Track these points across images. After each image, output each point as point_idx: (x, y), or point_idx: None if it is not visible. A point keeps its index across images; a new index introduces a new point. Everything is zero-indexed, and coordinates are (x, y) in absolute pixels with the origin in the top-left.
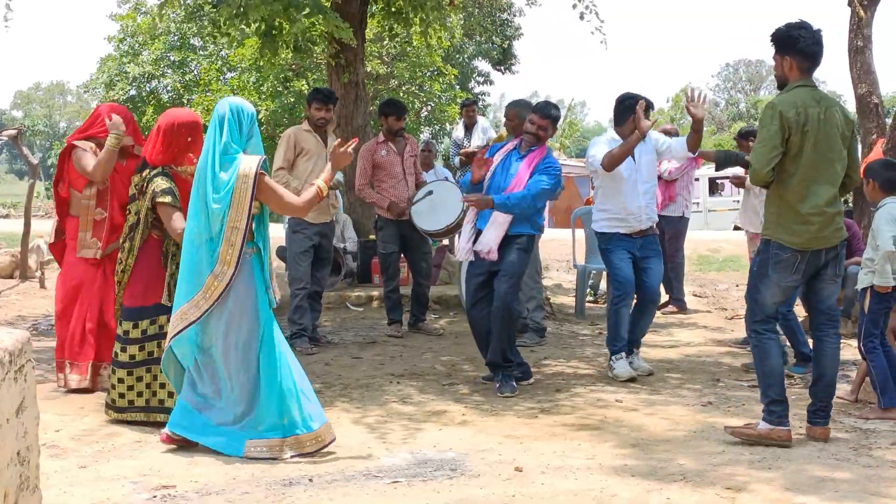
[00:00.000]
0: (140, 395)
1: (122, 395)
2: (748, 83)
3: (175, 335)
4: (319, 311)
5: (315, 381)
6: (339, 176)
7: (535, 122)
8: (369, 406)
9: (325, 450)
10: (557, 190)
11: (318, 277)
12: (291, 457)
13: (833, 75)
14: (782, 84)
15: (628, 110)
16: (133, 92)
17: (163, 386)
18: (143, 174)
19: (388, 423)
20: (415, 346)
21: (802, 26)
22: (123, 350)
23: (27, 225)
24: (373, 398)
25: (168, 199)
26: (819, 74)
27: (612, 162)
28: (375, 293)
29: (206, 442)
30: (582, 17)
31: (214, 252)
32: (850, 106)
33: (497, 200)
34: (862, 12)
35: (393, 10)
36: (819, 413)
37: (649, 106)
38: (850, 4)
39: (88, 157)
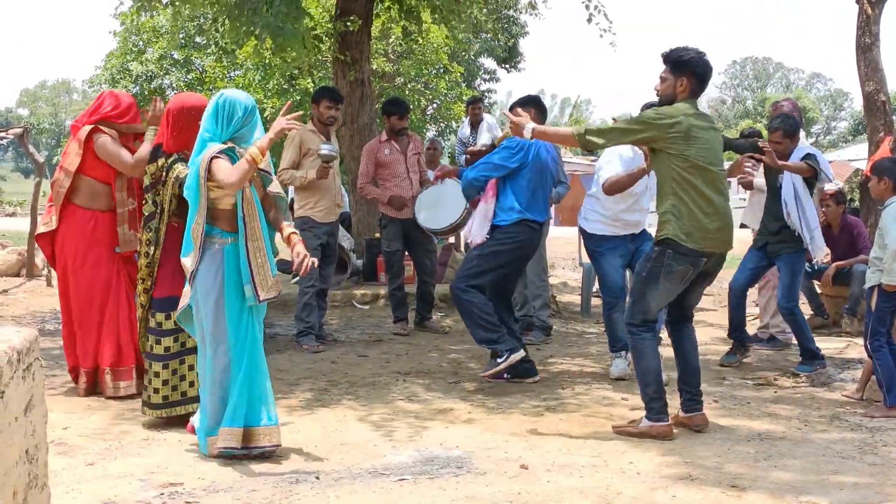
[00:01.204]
0: (175, 388)
1: (156, 391)
2: (755, 80)
3: (178, 310)
4: (325, 308)
5: (321, 378)
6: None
7: None
8: (375, 404)
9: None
10: (560, 194)
11: (323, 275)
12: (237, 448)
13: (840, 73)
14: (669, 101)
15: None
16: (136, 90)
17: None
18: (160, 162)
19: (394, 420)
20: (421, 344)
21: (698, 52)
22: (158, 342)
23: (33, 223)
24: (379, 396)
25: None
26: (826, 72)
27: (612, 189)
28: (382, 291)
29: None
30: (590, 21)
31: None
32: (858, 103)
33: (462, 174)
34: (869, 10)
35: (404, 8)
36: (694, 400)
37: None
38: (857, 2)
39: (122, 149)
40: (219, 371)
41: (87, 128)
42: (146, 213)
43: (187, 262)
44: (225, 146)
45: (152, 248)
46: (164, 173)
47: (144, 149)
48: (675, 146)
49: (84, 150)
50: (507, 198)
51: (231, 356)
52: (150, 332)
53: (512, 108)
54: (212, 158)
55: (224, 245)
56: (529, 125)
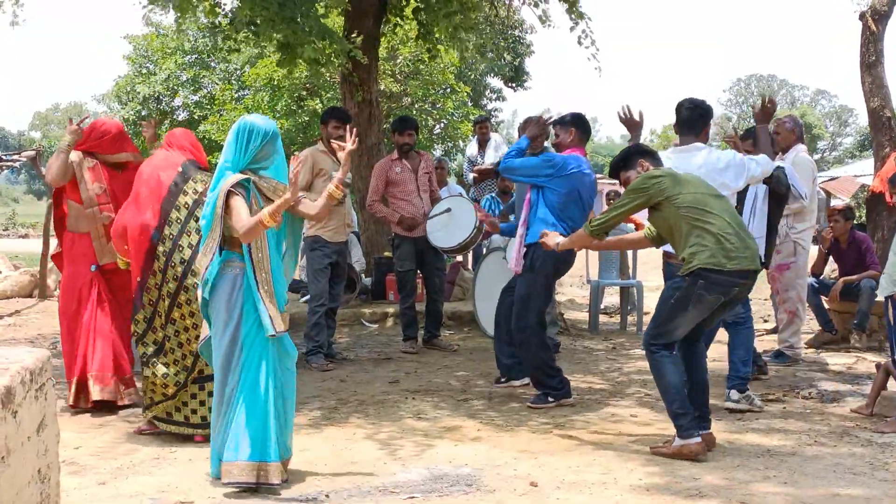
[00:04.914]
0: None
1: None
2: (760, 97)
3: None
4: (334, 327)
5: (330, 397)
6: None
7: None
8: (384, 422)
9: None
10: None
11: (332, 294)
12: (257, 483)
13: (845, 89)
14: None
15: (706, 115)
16: (144, 112)
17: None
18: (205, 178)
19: (403, 438)
20: (429, 362)
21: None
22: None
23: (46, 245)
24: (388, 414)
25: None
26: (830, 88)
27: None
28: (390, 310)
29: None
30: (580, 43)
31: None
32: (863, 119)
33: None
34: (874, 26)
35: (422, 31)
36: (703, 418)
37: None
38: (861, 19)
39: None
40: (226, 399)
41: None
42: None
43: (200, 291)
44: (242, 176)
45: None
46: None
47: (52, 157)
48: (669, 193)
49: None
50: (545, 214)
51: (241, 385)
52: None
53: (555, 125)
54: (229, 193)
55: (242, 269)
56: (558, 240)
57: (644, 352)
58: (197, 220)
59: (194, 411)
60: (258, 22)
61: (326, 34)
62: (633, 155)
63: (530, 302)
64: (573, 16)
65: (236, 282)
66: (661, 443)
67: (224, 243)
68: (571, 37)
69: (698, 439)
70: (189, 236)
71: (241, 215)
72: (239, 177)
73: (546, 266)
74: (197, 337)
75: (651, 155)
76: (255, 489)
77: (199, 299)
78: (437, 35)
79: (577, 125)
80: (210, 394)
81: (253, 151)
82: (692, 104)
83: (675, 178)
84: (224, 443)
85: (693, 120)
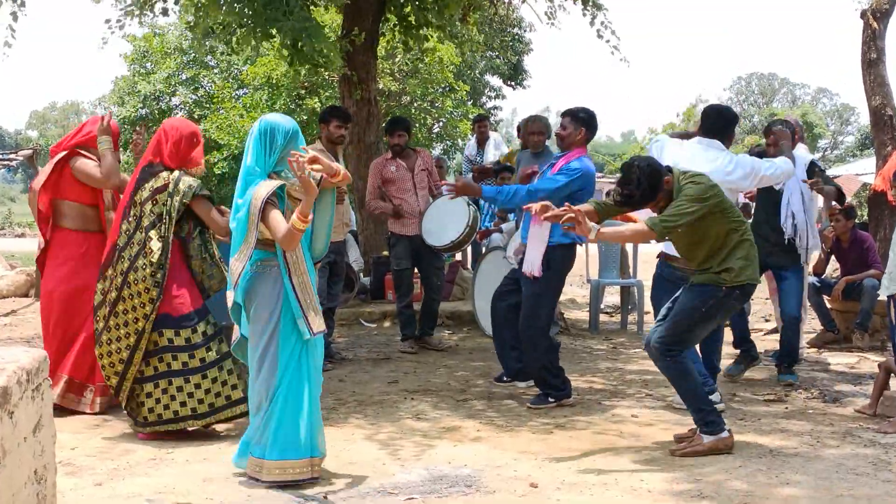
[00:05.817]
0: (218, 395)
1: (200, 401)
2: (761, 96)
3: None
4: (333, 327)
5: (329, 397)
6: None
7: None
8: (383, 422)
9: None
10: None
11: (331, 293)
12: (272, 482)
13: (846, 87)
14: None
15: (731, 123)
16: (145, 111)
17: (191, 396)
18: (165, 176)
19: (402, 439)
20: (428, 361)
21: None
22: (192, 356)
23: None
24: (387, 414)
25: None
26: (832, 87)
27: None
28: (389, 309)
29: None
30: (600, 36)
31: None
32: (864, 118)
33: (486, 191)
34: (875, 24)
35: (405, 24)
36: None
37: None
38: (862, 17)
39: (93, 166)
40: (269, 398)
41: (62, 154)
42: (147, 223)
43: (231, 294)
44: (277, 184)
45: (161, 255)
46: (172, 185)
47: (108, 160)
48: (725, 205)
49: (60, 174)
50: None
51: (285, 384)
52: (174, 350)
53: (563, 116)
54: (266, 202)
55: (279, 267)
56: (594, 228)
57: (659, 359)
58: (143, 232)
59: (142, 413)
60: (251, 23)
61: (310, 34)
62: (655, 176)
63: (543, 301)
64: (589, 6)
65: (276, 282)
66: (684, 443)
67: (258, 244)
68: (571, 34)
69: (728, 432)
70: (131, 248)
71: (280, 228)
72: (274, 185)
73: (564, 264)
74: (136, 331)
75: (663, 166)
76: (291, 486)
77: (231, 303)
78: (421, 33)
79: (588, 124)
80: (149, 394)
81: (278, 151)
82: (718, 112)
83: (720, 187)
84: (262, 439)
85: (719, 128)
